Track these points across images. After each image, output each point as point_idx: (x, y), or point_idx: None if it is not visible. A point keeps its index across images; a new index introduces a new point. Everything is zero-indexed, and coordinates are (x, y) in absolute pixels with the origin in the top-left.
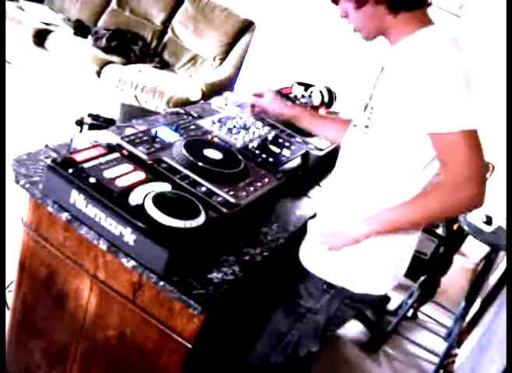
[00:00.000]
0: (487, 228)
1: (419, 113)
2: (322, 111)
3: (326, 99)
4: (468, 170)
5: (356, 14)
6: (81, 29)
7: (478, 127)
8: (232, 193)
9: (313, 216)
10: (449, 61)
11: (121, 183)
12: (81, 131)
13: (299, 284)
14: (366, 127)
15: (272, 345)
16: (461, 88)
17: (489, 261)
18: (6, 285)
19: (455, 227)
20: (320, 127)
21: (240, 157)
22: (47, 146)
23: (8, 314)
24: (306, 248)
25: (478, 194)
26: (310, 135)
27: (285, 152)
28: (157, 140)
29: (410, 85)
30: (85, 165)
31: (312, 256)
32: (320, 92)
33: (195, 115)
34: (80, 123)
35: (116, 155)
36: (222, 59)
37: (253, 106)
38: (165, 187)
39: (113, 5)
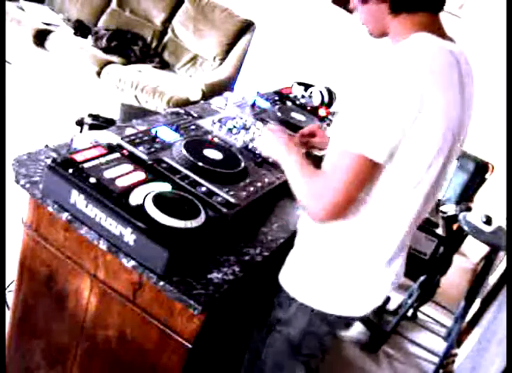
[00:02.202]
0: (487, 228)
1: (340, 121)
2: (322, 111)
3: (326, 99)
4: (328, 189)
5: (361, 9)
6: (81, 29)
7: (374, 157)
8: (232, 193)
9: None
10: (396, 87)
11: (121, 183)
12: (81, 131)
13: (273, 296)
14: None
15: (250, 358)
16: (383, 115)
17: (488, 261)
18: (6, 285)
19: (455, 227)
20: None
21: (240, 157)
22: (47, 146)
23: (8, 314)
24: (285, 264)
25: (316, 214)
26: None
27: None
28: (157, 140)
29: (356, 95)
30: (86, 165)
31: (286, 270)
32: (320, 92)
33: (195, 115)
34: (80, 123)
35: (116, 155)
36: (222, 59)
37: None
38: (165, 187)
39: (114, 5)
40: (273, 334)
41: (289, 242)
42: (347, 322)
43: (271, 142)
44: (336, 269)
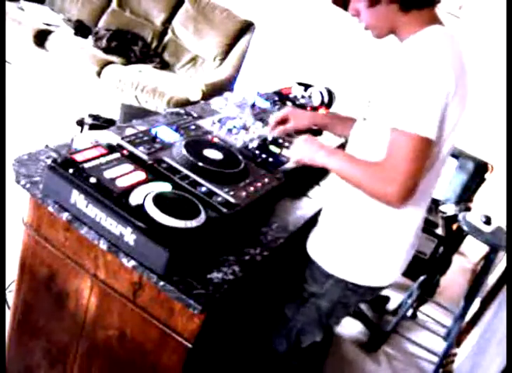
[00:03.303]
0: (486, 228)
1: (389, 108)
2: (322, 111)
3: (326, 99)
4: (399, 169)
5: (368, 13)
6: (81, 29)
7: (433, 138)
8: (232, 193)
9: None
10: (432, 68)
11: (122, 183)
12: (81, 131)
13: (306, 270)
14: (364, 119)
15: (277, 328)
16: (431, 97)
17: (488, 261)
18: (7, 285)
19: (454, 227)
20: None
21: (240, 157)
22: (47, 146)
23: (8, 314)
24: (314, 238)
25: (392, 196)
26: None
27: (285, 152)
28: (157, 140)
29: (394, 84)
30: (86, 166)
31: (317, 246)
32: (320, 92)
33: (195, 115)
34: (81, 123)
35: (116, 155)
36: (222, 59)
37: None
38: (165, 187)
39: (114, 5)
40: (306, 305)
41: (289, 242)
42: (373, 292)
43: (307, 149)
44: (370, 244)
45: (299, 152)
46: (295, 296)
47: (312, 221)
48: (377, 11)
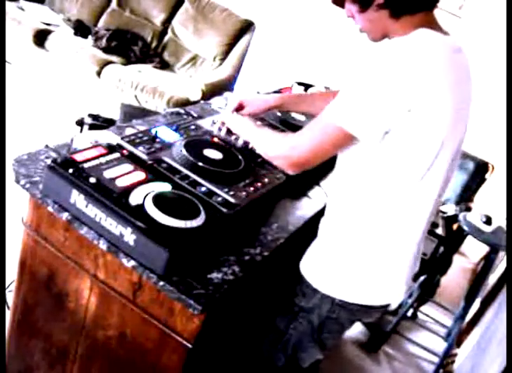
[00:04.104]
0: (487, 228)
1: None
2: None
3: None
4: (302, 142)
5: (361, 17)
6: (81, 29)
7: (356, 134)
8: (232, 193)
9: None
10: (388, 76)
11: (121, 183)
12: (81, 131)
13: (296, 285)
14: None
15: (272, 343)
16: (372, 94)
17: (488, 261)
18: (6, 285)
19: (455, 227)
20: (307, 103)
21: (240, 157)
22: (47, 146)
23: (8, 314)
24: (306, 253)
25: (284, 161)
26: (239, 109)
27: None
28: (157, 140)
29: (350, 80)
30: (86, 165)
31: (306, 260)
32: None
33: (195, 115)
34: (80, 123)
35: (116, 155)
36: (222, 59)
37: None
38: (165, 187)
39: (114, 5)
40: (297, 319)
41: (289, 242)
42: (367, 310)
43: (239, 120)
44: (359, 261)
45: (229, 120)
46: (286, 310)
47: (310, 228)
48: (368, 16)
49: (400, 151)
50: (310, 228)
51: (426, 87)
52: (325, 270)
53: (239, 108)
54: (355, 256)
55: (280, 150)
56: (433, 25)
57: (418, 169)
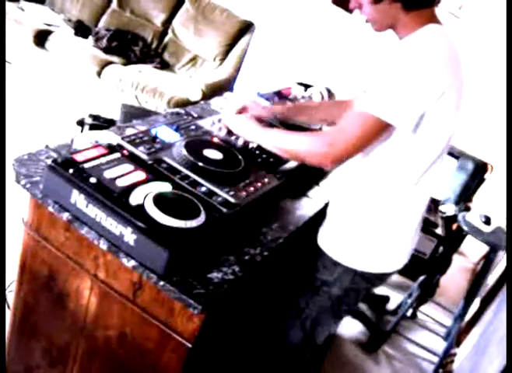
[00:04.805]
0: (486, 228)
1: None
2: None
3: (326, 99)
4: (342, 137)
5: (371, 8)
6: (81, 29)
7: (394, 122)
8: (232, 193)
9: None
10: (425, 66)
11: (122, 183)
12: (82, 131)
13: (317, 260)
14: None
15: (291, 321)
16: (412, 90)
17: (488, 261)
18: (7, 285)
19: (454, 227)
20: (311, 114)
21: (240, 157)
22: (47, 146)
23: (8, 314)
24: (323, 228)
25: (326, 157)
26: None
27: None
28: (157, 140)
29: (384, 75)
30: (86, 166)
31: (325, 236)
32: (320, 92)
33: (195, 115)
34: (81, 123)
35: (116, 155)
36: (222, 59)
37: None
38: (165, 187)
39: (114, 5)
40: (319, 293)
41: (289, 242)
42: (382, 277)
43: (242, 123)
44: (375, 233)
45: (234, 122)
46: (307, 286)
47: (322, 214)
48: (380, 7)
49: (427, 136)
50: (310, 228)
51: (452, 73)
52: (344, 243)
53: (241, 112)
54: (372, 229)
55: (317, 149)
56: (437, 19)
57: (436, 150)
